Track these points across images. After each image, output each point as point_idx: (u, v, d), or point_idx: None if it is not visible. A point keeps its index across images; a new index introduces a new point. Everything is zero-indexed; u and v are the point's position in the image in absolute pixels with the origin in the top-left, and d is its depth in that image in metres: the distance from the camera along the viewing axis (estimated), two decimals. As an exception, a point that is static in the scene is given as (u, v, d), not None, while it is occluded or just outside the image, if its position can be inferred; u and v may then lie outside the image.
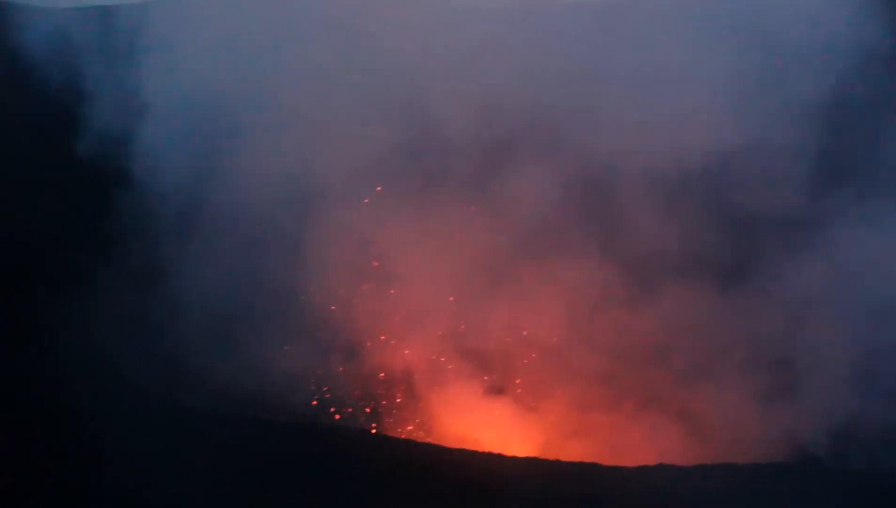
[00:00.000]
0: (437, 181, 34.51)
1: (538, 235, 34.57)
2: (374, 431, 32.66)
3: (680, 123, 33.39)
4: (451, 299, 34.05)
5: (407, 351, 34.04)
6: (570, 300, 34.36)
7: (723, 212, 34.33)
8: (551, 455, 30.70)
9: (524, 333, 34.23)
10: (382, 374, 33.83)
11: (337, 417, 32.95)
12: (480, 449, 29.72)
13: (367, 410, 33.63)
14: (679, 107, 33.61)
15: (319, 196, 33.54)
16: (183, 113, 33.35)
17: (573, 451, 32.40)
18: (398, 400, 33.84)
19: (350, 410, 33.26)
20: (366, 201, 33.80)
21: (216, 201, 33.48)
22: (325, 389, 33.58)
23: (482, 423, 33.32)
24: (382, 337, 33.70)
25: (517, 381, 34.33)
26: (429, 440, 32.35)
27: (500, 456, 29.01)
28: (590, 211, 34.66)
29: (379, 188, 33.62)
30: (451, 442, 31.78)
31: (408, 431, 33.17)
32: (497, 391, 34.01)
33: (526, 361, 34.48)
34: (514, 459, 29.08)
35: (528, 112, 34.10)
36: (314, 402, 33.36)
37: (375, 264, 33.84)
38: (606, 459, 30.38)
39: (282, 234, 33.51)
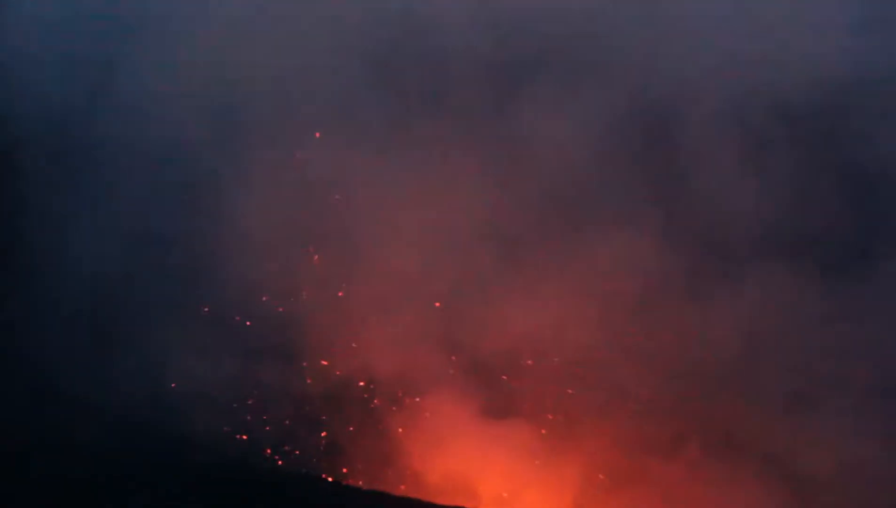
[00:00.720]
0: (424, 118, 31.90)
1: (565, 200, 32.06)
2: (329, 479, 30.25)
3: (774, 47, 31.22)
4: (439, 291, 31.63)
5: (374, 364, 31.45)
6: (611, 295, 31.62)
7: (835, 172, 31.69)
8: (586, 518, 29.29)
9: (544, 341, 31.65)
10: (338, 397, 31.49)
11: (278, 462, 30.61)
12: (483, 508, 27.86)
13: (319, 448, 30.98)
14: (773, 21, 31.34)
15: (251, 136, 31.45)
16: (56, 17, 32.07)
17: (617, 510, 30.30)
18: (362, 434, 31.32)
19: (296, 452, 30.74)
20: (297, 153, 31.77)
21: (103, 143, 31.36)
22: (255, 419, 31.04)
23: (485, 468, 30.64)
24: (338, 343, 31.51)
25: (536, 410, 31.53)
26: (409, 493, 30.27)
27: (512, 519, 27.64)
28: (641, 167, 31.94)
29: (317, 134, 31.81)
30: (441, 497, 29.87)
31: (378, 480, 30.81)
32: (505, 421, 31.26)
33: (548, 382, 31.74)
34: (534, 523, 27.76)
35: (557, 24, 31.74)
36: (242, 436, 30.71)
37: (331, 234, 31.70)
38: (664, 522, 29.08)
39: (196, 191, 31.29)
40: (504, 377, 31.18)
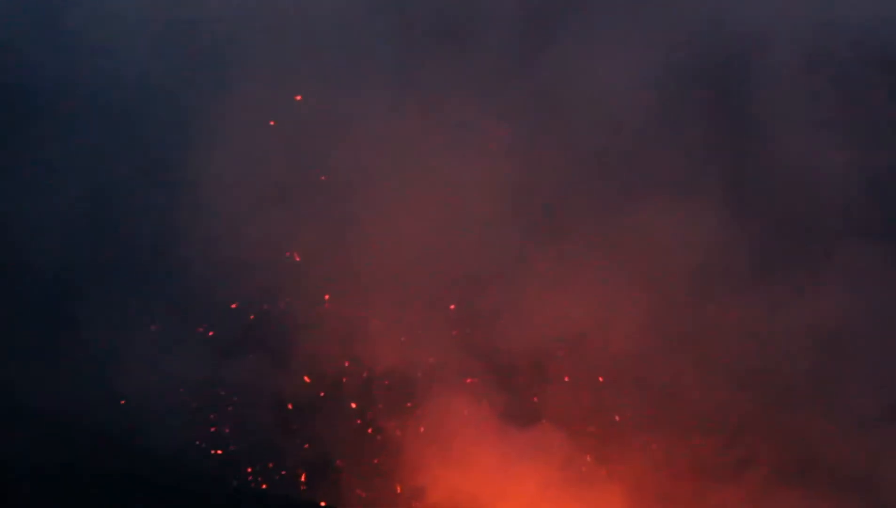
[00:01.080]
0: (436, 67, 30.77)
1: (610, 168, 30.75)
2: (322, 505, 29.32)
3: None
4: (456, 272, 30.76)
5: (374, 368, 30.66)
6: (664, 284, 30.48)
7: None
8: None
9: (580, 342, 30.71)
10: (331, 407, 30.60)
11: (262, 485, 29.74)
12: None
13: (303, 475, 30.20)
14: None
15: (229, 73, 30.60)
16: None
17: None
18: (361, 451, 30.35)
19: (282, 472, 29.84)
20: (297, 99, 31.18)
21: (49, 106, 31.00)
22: (234, 431, 30.21)
23: (511, 492, 29.46)
24: (332, 344, 30.50)
25: (570, 423, 30.38)
26: (421, 518, 30.35)
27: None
28: (702, 129, 30.47)
29: (298, 98, 31.09)
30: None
31: (381, 505, 30.22)
32: (533, 438, 29.94)
33: (585, 390, 30.58)
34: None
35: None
36: (217, 451, 29.82)
37: (317, 223, 31.01)
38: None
39: (162, 168, 30.65)
40: (535, 399, 30.12)
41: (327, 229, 31.43)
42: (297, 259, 31.25)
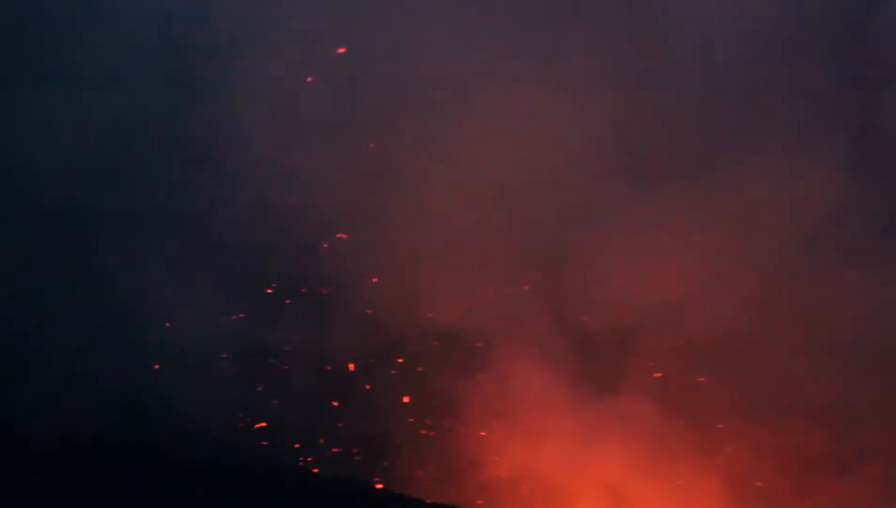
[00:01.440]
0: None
1: (710, 106, 28.88)
2: (379, 487, 28.44)
3: None
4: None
5: (438, 331, 29.29)
6: (772, 248, 28.40)
7: None
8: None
9: (670, 316, 28.66)
10: (389, 375, 29.37)
11: (312, 468, 28.68)
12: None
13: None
14: None
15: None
16: None
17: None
18: (423, 427, 29.31)
19: (334, 449, 28.92)
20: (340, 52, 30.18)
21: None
22: (281, 402, 29.25)
23: (590, 479, 28.18)
24: (388, 298, 29.34)
25: (657, 406, 28.52)
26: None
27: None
28: (826, 60, 28.73)
29: (342, 50, 30.36)
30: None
31: (445, 489, 28.71)
32: (616, 420, 28.51)
33: (675, 370, 28.92)
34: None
35: None
36: (261, 424, 28.96)
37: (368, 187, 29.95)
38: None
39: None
40: (617, 371, 28.37)
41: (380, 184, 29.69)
42: (344, 238, 29.90)
